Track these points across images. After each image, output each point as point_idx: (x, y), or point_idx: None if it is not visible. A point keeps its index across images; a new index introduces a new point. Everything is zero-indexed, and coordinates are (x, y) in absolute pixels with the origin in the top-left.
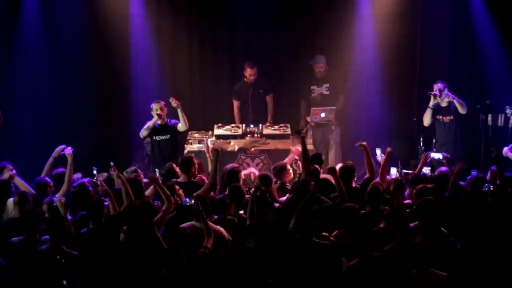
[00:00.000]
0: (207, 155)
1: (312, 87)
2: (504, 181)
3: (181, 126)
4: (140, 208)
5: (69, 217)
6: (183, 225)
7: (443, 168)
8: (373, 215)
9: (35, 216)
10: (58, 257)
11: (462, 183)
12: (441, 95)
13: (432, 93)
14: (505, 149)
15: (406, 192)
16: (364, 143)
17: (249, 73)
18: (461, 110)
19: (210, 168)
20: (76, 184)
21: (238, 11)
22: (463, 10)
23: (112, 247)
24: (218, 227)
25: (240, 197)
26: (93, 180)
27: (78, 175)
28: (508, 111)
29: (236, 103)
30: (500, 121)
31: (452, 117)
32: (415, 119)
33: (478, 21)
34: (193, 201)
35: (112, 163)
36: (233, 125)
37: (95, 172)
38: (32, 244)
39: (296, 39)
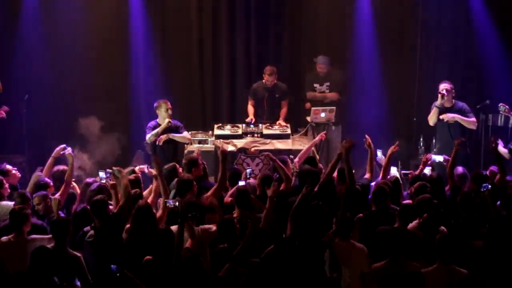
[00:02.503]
0: None
1: (314, 85)
2: (504, 176)
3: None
4: (144, 208)
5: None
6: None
7: (460, 169)
8: (379, 214)
9: (20, 215)
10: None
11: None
12: (448, 95)
13: (441, 92)
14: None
15: (406, 192)
16: (369, 140)
17: (266, 79)
18: (470, 126)
19: (206, 171)
20: (94, 188)
21: (238, 11)
22: (463, 10)
23: (116, 244)
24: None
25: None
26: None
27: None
28: (501, 108)
29: (251, 102)
30: (500, 121)
31: None
32: (415, 119)
33: (478, 21)
34: (177, 203)
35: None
36: (233, 125)
37: (102, 174)
38: (19, 243)
39: (296, 39)
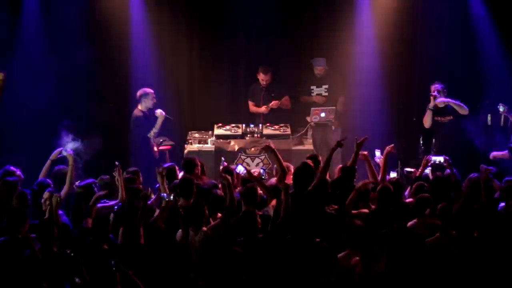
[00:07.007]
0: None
1: (311, 87)
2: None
3: None
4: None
5: (65, 217)
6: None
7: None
8: (379, 214)
9: (18, 216)
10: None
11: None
12: (439, 96)
13: (433, 94)
14: (493, 153)
15: (406, 192)
16: (365, 152)
17: (261, 78)
18: (461, 111)
19: (204, 170)
20: (83, 184)
21: (238, 12)
22: (462, 11)
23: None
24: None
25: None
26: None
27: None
28: (501, 108)
29: (251, 103)
30: (500, 121)
31: (451, 117)
32: (415, 119)
33: (477, 21)
34: (171, 197)
35: (117, 163)
36: (233, 125)
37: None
38: (14, 244)
39: (296, 41)
